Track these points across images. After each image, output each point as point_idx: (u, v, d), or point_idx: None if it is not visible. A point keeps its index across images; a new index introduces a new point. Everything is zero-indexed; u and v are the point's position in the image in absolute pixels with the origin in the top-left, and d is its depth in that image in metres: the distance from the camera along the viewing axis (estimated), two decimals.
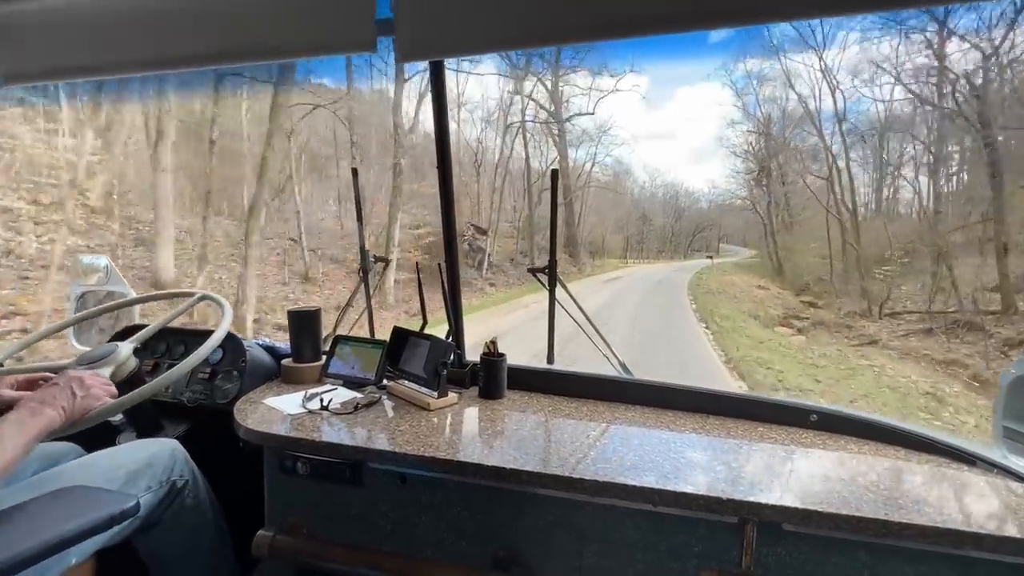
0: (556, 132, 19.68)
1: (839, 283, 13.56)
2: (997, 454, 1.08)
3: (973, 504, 0.90)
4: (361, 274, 1.67)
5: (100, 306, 1.46)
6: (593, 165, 21.87)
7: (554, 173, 1.46)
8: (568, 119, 19.63)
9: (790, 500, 0.87)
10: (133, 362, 1.19)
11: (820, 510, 0.85)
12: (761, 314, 12.54)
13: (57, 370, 1.15)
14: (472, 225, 15.88)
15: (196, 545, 1.21)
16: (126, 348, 1.17)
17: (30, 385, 1.14)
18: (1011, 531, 0.81)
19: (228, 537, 1.28)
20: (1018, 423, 1.17)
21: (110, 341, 1.40)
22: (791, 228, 17.94)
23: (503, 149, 17.41)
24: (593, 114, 19.96)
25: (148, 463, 1.12)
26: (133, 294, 1.80)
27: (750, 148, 19.27)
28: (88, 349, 1.19)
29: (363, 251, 1.66)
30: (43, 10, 1.27)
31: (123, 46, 1.26)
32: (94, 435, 1.18)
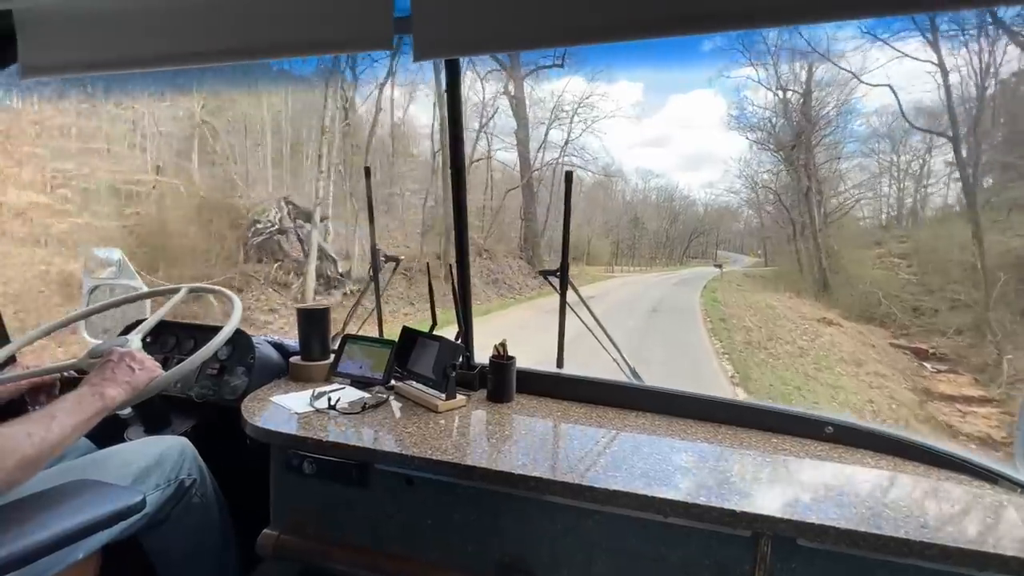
0: (512, 92, 14.53)
1: (998, 327, 7.04)
2: (1022, 472, 1.05)
3: (997, 525, 0.87)
4: (371, 273, 1.67)
5: (96, 304, 1.46)
6: (567, 143, 16.65)
7: (567, 175, 1.44)
8: (531, 72, 14.58)
9: (806, 515, 0.85)
10: None
11: (838, 526, 0.82)
12: (910, 416, 6.40)
13: (71, 369, 1.16)
14: (286, 202, 9.03)
15: (201, 543, 1.20)
16: (135, 341, 1.18)
17: (36, 389, 1.15)
18: None
19: (233, 536, 1.27)
20: None
21: (120, 335, 1.40)
22: (824, 229, 12.86)
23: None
24: (562, 66, 14.86)
25: (158, 461, 1.12)
26: (145, 288, 1.81)
27: (771, 127, 14.64)
28: (98, 342, 1.19)
29: (374, 250, 1.65)
30: (63, 4, 1.27)
31: (141, 41, 1.26)
32: (103, 429, 1.18)
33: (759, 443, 1.16)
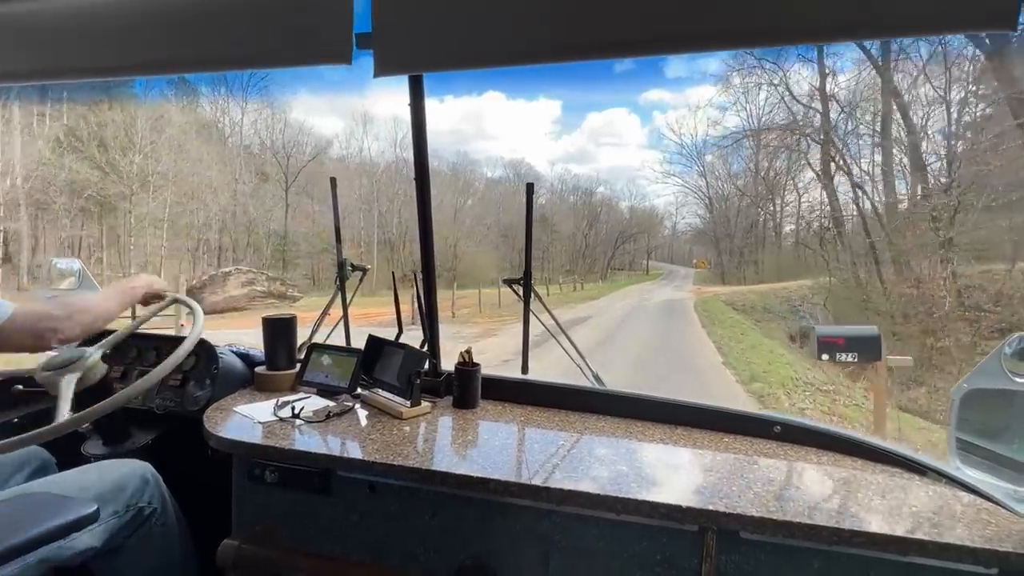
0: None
1: None
2: (950, 465, 1.12)
3: (921, 513, 0.93)
4: (338, 283, 1.68)
5: None
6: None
7: (529, 187, 1.49)
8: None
9: (747, 508, 0.90)
10: (102, 368, 1.17)
11: (775, 518, 0.87)
12: None
13: (20, 378, 1.14)
14: None
15: (160, 573, 1.16)
16: (95, 353, 1.16)
17: None
18: (953, 538, 0.84)
19: (194, 562, 1.24)
20: (969, 435, 1.22)
21: (79, 346, 1.38)
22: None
23: None
24: None
25: (118, 486, 1.08)
26: None
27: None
28: (54, 354, 1.17)
29: (340, 260, 1.67)
30: (25, 12, 1.27)
31: (104, 50, 1.27)
32: (60, 440, 1.16)
33: (712, 443, 1.21)
